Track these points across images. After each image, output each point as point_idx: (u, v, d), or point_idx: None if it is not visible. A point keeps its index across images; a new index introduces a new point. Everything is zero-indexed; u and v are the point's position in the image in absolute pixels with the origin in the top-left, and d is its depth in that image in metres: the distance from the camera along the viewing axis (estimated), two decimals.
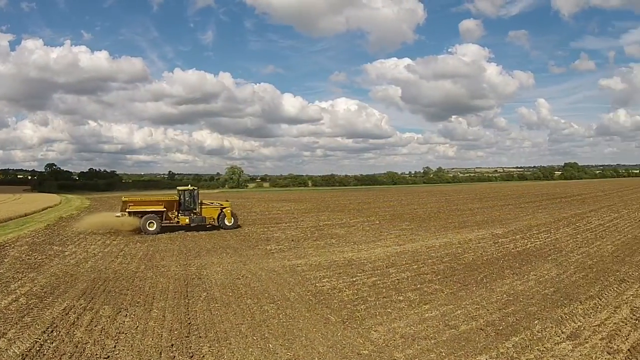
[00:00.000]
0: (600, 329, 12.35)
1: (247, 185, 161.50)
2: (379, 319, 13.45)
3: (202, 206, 34.12)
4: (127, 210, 32.16)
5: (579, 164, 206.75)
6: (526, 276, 18.54)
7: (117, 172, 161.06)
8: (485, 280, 18.02)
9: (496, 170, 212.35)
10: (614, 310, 13.85)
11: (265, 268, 20.42)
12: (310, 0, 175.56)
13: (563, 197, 68.68)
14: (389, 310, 14.30)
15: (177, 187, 34.71)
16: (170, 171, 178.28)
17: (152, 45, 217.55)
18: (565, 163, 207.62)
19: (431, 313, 13.99)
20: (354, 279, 18.36)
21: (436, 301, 15.26)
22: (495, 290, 16.56)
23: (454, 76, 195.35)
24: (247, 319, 13.25)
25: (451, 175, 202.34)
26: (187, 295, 15.80)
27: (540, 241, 27.07)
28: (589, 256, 22.22)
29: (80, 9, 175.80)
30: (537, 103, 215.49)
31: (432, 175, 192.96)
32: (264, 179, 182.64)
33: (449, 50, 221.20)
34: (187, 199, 33.31)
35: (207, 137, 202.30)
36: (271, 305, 14.67)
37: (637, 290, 16.01)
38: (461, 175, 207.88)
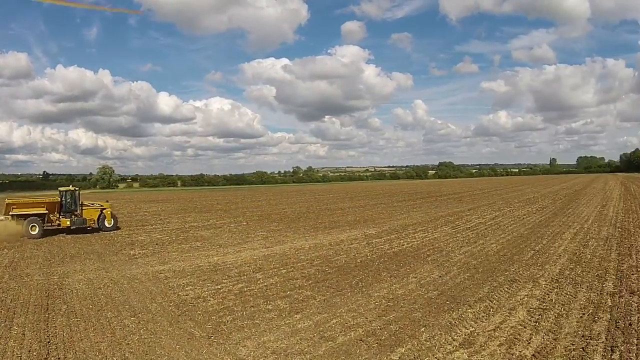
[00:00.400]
0: (497, 334, 12.38)
1: (117, 186, 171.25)
2: (247, 332, 12.99)
3: (83, 208, 35.29)
4: (10, 213, 33.03)
5: (455, 164, 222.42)
6: (405, 279, 18.62)
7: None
8: (360, 285, 17.83)
9: (367, 170, 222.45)
10: (509, 313, 14.06)
11: (127, 276, 20.50)
12: None
13: (438, 196, 72.45)
14: (257, 321, 13.85)
15: (59, 188, 36.03)
16: (44, 171, 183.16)
17: (38, 41, 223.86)
18: (440, 162, 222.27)
19: (304, 323, 13.55)
20: (220, 286, 18.14)
21: (308, 310, 14.88)
22: (373, 295, 16.37)
23: (331, 77, 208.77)
24: (108, 336, 13.00)
25: (321, 174, 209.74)
26: (48, 309, 15.65)
27: (417, 241, 27.74)
28: (473, 256, 22.94)
29: None
30: (414, 104, 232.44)
31: (301, 175, 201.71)
32: (134, 179, 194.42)
33: (329, 51, 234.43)
34: (68, 200, 34.60)
35: (82, 136, 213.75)
36: (132, 319, 14.42)
37: (531, 291, 16.51)
38: (331, 174, 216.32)
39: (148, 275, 20.53)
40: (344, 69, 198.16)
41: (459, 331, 12.62)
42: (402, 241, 27.82)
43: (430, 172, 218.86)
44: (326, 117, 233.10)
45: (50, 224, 34.05)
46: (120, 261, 24.08)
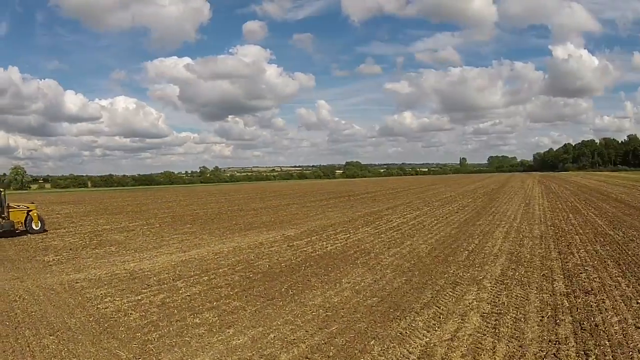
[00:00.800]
0: (456, 343, 11.22)
1: (30, 187, 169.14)
2: (177, 352, 11.44)
3: (10, 210, 33.51)
4: None
5: (362, 163, 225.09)
6: (338, 284, 17.26)
7: None
8: (291, 292, 16.36)
9: (274, 170, 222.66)
10: (462, 319, 12.94)
11: (43, 286, 18.72)
12: None
13: (351, 195, 71.91)
14: (187, 338, 12.30)
15: None
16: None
17: None
18: (347, 162, 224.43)
19: (239, 339, 12.04)
20: (140, 297, 16.42)
21: (241, 323, 13.35)
22: (308, 304, 14.91)
23: (233, 76, 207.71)
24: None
25: (228, 174, 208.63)
26: None
27: (340, 243, 26.57)
28: (404, 258, 21.88)
29: None
30: (317, 104, 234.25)
31: (208, 175, 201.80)
32: (46, 179, 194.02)
33: (230, 50, 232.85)
34: None
35: None
36: (51, 337, 12.77)
37: (478, 294, 15.51)
38: (238, 174, 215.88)
39: (64, 285, 18.61)
40: (246, 68, 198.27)
41: (413, 342, 11.35)
42: (324, 243, 26.55)
43: (337, 171, 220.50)
44: (229, 116, 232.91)
45: None
46: (34, 269, 22.02)
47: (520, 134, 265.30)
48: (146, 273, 20.25)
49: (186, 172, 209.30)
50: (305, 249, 24.88)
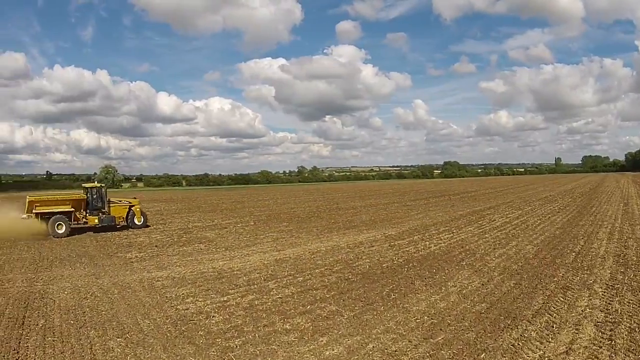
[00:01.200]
0: (572, 357, 10.15)
1: (121, 185, 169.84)
2: None
3: (110, 205, 34.67)
4: (33, 211, 31.98)
5: (460, 163, 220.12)
6: (444, 288, 16.33)
7: None
8: (393, 296, 15.50)
9: (372, 170, 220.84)
10: (576, 329, 11.84)
11: (119, 283, 18.23)
12: None
13: (452, 194, 70.06)
14: (274, 346, 11.31)
15: (83, 185, 35.60)
16: (47, 171, 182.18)
17: (34, 41, 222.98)
18: (445, 162, 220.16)
19: (333, 350, 11.05)
20: (226, 299, 15.66)
21: (336, 330, 12.39)
22: (411, 309, 14.03)
23: (329, 77, 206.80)
24: None
25: (326, 174, 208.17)
26: (24, 323, 13.49)
27: (444, 243, 25.56)
28: (511, 259, 20.70)
29: None
30: (414, 104, 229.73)
31: (306, 174, 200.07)
32: (139, 178, 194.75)
33: (325, 51, 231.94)
34: (94, 197, 33.97)
35: (84, 137, 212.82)
36: (119, 340, 12.00)
37: (590, 300, 14.30)
38: (336, 174, 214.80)
39: (143, 283, 18.18)
40: (342, 68, 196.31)
41: (526, 356, 10.35)
42: (427, 243, 25.61)
43: (435, 171, 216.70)
44: (327, 116, 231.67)
45: (76, 222, 33.26)
46: (113, 265, 21.99)
47: (611, 133, 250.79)
48: (235, 272, 19.64)
49: (284, 171, 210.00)
50: (407, 249, 24.02)
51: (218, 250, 25.45)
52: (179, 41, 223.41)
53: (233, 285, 17.41)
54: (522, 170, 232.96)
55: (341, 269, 19.75)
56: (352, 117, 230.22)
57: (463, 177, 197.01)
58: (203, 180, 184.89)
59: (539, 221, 33.86)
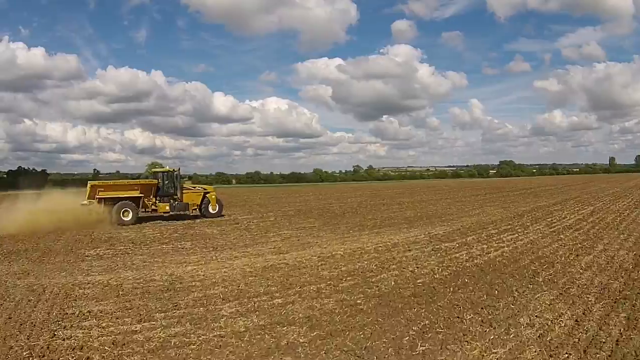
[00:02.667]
0: None
1: None
2: None
3: (183, 191, 31.20)
4: (96, 197, 28.64)
5: (515, 163, 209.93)
6: (512, 328, 9.09)
7: (49, 172, 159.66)
8: (422, 345, 8.23)
9: (428, 169, 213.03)
10: None
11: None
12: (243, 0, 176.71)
13: (509, 191, 60.71)
14: None
15: (152, 169, 33.05)
16: (95, 169, 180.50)
17: (87, 43, 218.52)
18: (500, 161, 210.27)
19: None
20: (136, 328, 9.50)
21: None
22: None
23: (385, 76, 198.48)
24: None
25: (381, 173, 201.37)
26: None
27: (507, 246, 18.11)
28: (605, 272, 13.45)
29: (20, 5, 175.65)
30: (470, 103, 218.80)
31: (361, 173, 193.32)
32: (190, 177, 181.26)
33: (381, 50, 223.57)
34: (166, 182, 30.71)
35: (139, 136, 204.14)
36: None
37: None
38: (392, 173, 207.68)
39: (59, 290, 11.53)
40: (398, 68, 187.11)
41: None
42: (484, 246, 18.06)
43: (491, 171, 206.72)
44: (384, 116, 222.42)
45: (144, 210, 29.97)
46: (55, 264, 16.27)
47: None
48: (192, 284, 13.04)
49: (340, 171, 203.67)
50: (457, 254, 16.59)
51: (203, 250, 18.90)
52: (234, 42, 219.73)
53: (168, 305, 10.93)
54: (577, 170, 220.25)
55: (352, 285, 12.55)
56: (409, 116, 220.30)
57: (519, 176, 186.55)
58: (254, 178, 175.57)
59: (618, 218, 25.97)
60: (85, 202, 28.61)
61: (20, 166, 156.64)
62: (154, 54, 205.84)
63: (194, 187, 32.88)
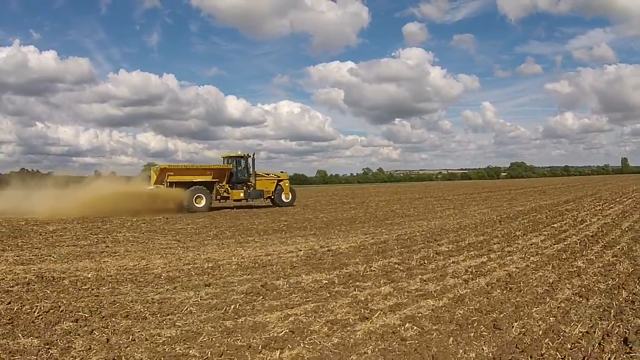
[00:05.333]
0: None
1: None
2: None
3: (257, 178, 28.74)
4: (167, 180, 25.86)
5: (526, 164, 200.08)
6: None
7: (57, 175, 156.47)
8: None
9: (440, 172, 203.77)
10: None
11: None
12: (255, 3, 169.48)
13: (513, 189, 48.78)
14: None
15: (223, 155, 29.88)
16: (95, 170, 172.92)
17: (99, 47, 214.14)
18: (511, 163, 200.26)
19: None
20: None
21: None
22: None
23: (398, 79, 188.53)
24: None
25: (387, 175, 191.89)
26: None
27: (451, 292, 7.12)
28: None
29: (32, 9, 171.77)
30: (482, 106, 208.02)
31: (369, 175, 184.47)
32: None
33: (393, 54, 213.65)
34: (240, 168, 28.36)
35: (151, 140, 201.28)
36: None
37: None
38: (397, 175, 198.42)
39: None
40: (410, 71, 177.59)
41: None
42: (391, 290, 7.24)
43: (502, 173, 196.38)
44: (396, 119, 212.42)
45: (217, 195, 27.71)
46: None
47: None
48: None
49: (351, 174, 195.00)
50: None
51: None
52: (246, 45, 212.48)
53: None
54: (589, 172, 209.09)
55: None
56: (421, 119, 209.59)
57: (530, 177, 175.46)
58: None
59: None
60: (152, 187, 26.24)
61: (23, 168, 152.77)
62: (166, 58, 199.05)
63: (268, 175, 29.91)
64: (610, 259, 9.49)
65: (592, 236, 12.59)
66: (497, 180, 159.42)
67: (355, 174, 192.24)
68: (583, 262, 9.29)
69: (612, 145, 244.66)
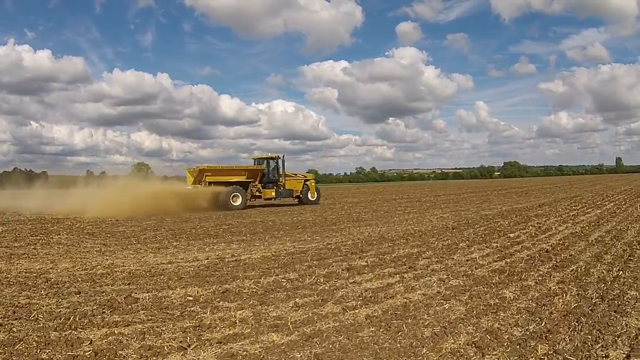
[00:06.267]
0: None
1: None
2: None
3: (286, 178, 29.77)
4: (205, 180, 26.99)
5: (520, 164, 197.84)
6: None
7: (50, 174, 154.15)
8: None
9: (434, 172, 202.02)
10: None
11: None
12: (248, 3, 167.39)
13: (495, 190, 46.61)
14: None
15: (255, 157, 31.42)
16: (88, 170, 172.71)
17: (93, 46, 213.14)
18: (505, 162, 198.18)
19: None
20: None
21: None
22: None
23: (391, 79, 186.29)
24: None
25: (379, 174, 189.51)
26: None
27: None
28: None
29: (27, 8, 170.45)
30: (476, 105, 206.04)
31: (361, 175, 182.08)
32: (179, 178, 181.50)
33: (386, 53, 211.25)
34: (272, 168, 29.40)
35: (145, 139, 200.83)
36: None
37: None
38: (389, 174, 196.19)
39: None
40: (404, 70, 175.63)
41: None
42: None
43: (496, 173, 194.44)
44: (390, 119, 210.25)
45: (250, 194, 28.60)
46: None
47: None
48: None
49: (344, 173, 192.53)
50: None
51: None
52: (240, 45, 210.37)
53: None
54: (584, 171, 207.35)
55: None
56: (415, 119, 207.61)
57: (523, 177, 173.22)
58: None
59: None
60: (189, 186, 27.36)
61: (16, 167, 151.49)
62: (160, 57, 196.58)
63: (295, 175, 31.38)
64: (554, 287, 7.28)
65: (546, 251, 10.35)
66: (489, 179, 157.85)
67: (348, 173, 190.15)
68: (514, 291, 7.09)
69: (606, 145, 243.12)
